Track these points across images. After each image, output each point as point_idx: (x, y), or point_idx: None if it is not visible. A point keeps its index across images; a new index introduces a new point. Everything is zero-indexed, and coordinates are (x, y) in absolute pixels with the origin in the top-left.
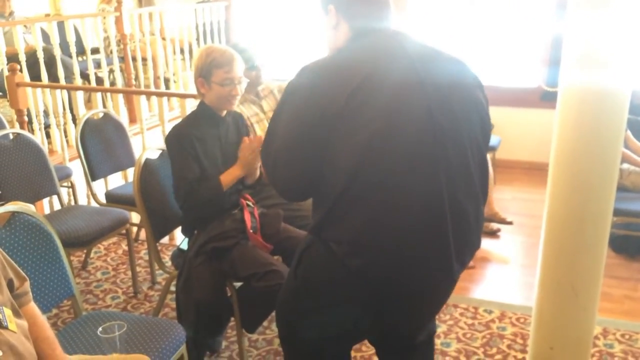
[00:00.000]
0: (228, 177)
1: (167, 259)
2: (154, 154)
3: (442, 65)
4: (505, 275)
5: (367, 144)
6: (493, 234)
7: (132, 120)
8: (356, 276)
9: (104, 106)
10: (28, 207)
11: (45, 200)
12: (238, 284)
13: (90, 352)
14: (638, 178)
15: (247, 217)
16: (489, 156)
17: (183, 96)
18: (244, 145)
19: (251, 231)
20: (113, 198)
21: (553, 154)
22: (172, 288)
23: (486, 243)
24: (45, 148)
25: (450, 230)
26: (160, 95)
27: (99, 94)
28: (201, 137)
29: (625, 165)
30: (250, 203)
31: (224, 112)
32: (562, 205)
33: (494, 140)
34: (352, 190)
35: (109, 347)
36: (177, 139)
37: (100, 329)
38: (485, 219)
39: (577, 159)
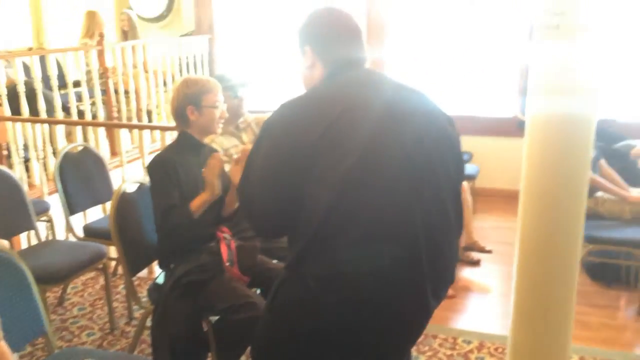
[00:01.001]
0: (197, 202)
1: (145, 293)
2: (131, 187)
3: (415, 102)
4: (486, 304)
5: (343, 179)
6: (474, 263)
7: (114, 152)
8: (331, 313)
9: (86, 139)
10: (2, 244)
11: (24, 235)
12: (215, 318)
13: None
14: (613, 205)
15: (223, 249)
16: (468, 185)
17: (163, 129)
18: (208, 165)
19: (228, 264)
20: (91, 232)
21: (523, 183)
22: (149, 323)
23: (467, 272)
24: (24, 182)
25: (426, 268)
26: (140, 128)
27: (79, 127)
28: (184, 164)
29: (600, 193)
30: (227, 236)
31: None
32: (532, 234)
33: (472, 169)
34: (328, 227)
35: None
36: (159, 164)
37: None
38: (465, 248)
39: (545, 188)
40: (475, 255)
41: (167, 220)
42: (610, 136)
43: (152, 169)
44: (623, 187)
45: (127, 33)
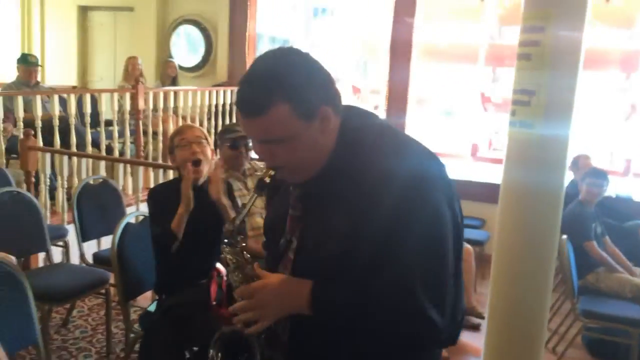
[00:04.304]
0: (175, 220)
1: None
2: (137, 218)
3: None
4: None
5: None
6: (474, 327)
7: (136, 189)
8: None
9: (113, 175)
10: (8, 258)
11: (42, 256)
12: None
13: None
14: (613, 282)
15: (213, 289)
16: (476, 250)
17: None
18: (183, 179)
19: (214, 303)
20: (99, 259)
21: (495, 249)
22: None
23: (465, 335)
24: (48, 208)
25: None
26: (156, 167)
27: (102, 163)
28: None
29: (601, 269)
30: (220, 274)
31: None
32: (503, 301)
33: (482, 235)
34: None
35: None
36: (152, 195)
37: None
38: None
39: (516, 253)
40: (475, 320)
41: (157, 245)
42: (622, 214)
43: (148, 199)
44: (627, 266)
45: (174, 78)
